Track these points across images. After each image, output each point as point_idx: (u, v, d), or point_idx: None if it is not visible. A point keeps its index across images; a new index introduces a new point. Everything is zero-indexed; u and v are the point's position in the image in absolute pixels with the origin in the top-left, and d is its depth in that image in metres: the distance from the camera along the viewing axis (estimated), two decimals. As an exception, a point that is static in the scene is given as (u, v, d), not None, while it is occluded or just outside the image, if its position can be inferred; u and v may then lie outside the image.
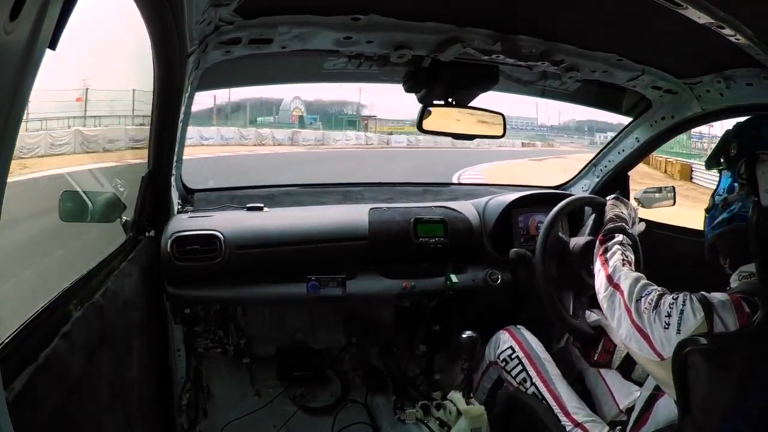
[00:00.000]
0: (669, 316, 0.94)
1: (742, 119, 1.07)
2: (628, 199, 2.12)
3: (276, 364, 1.90)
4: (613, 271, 1.14)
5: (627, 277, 1.09)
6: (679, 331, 0.91)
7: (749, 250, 0.88)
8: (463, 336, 1.55)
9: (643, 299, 1.00)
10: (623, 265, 1.15)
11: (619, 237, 1.26)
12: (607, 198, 1.50)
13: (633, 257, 1.21)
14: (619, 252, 1.20)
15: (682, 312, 0.92)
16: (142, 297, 1.34)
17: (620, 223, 1.33)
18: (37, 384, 0.69)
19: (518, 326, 1.58)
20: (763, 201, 0.87)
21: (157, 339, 1.58)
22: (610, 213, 1.40)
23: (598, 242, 1.29)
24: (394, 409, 1.89)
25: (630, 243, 1.26)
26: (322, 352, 1.95)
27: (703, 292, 0.94)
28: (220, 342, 1.81)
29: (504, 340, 1.54)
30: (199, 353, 1.79)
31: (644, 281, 1.06)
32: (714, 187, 1.09)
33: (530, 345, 1.50)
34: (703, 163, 1.23)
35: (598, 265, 1.22)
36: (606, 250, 1.23)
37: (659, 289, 1.02)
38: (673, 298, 0.96)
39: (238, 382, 1.90)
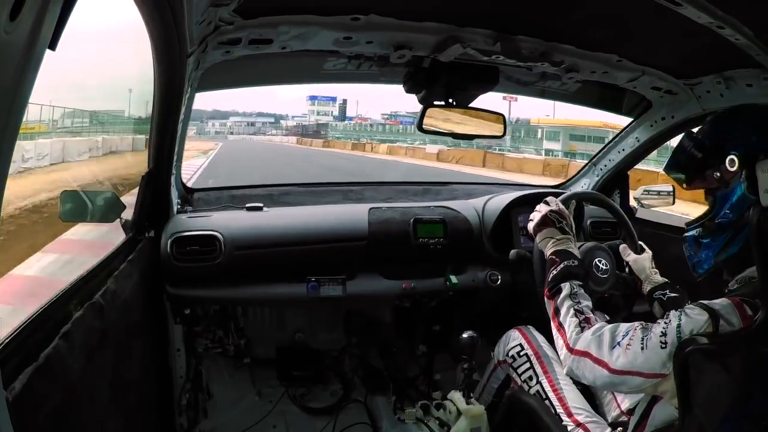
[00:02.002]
0: (664, 335, 0.92)
1: None
2: (628, 199, 2.13)
3: (276, 364, 1.91)
4: (573, 342, 1.05)
5: (585, 339, 1.03)
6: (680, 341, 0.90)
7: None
8: (463, 336, 1.55)
9: (623, 341, 0.97)
10: (581, 329, 1.06)
11: (566, 288, 1.12)
12: (529, 228, 1.31)
13: (588, 301, 1.12)
14: (572, 310, 1.09)
15: (678, 326, 0.91)
16: (142, 297, 1.34)
17: (562, 264, 1.16)
18: (37, 384, 0.69)
19: (528, 326, 1.58)
20: (763, 201, 0.87)
21: (157, 339, 1.58)
22: (546, 251, 1.23)
23: (545, 299, 1.17)
24: (394, 409, 1.89)
25: (581, 283, 1.14)
26: (322, 352, 1.95)
27: (701, 301, 0.93)
28: (220, 342, 1.82)
29: (514, 337, 1.54)
30: (199, 353, 1.79)
31: (608, 327, 1.01)
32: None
33: (539, 344, 1.49)
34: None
35: (554, 330, 1.12)
36: (557, 311, 1.12)
37: (636, 324, 0.98)
38: (665, 323, 0.94)
39: (238, 382, 1.90)
